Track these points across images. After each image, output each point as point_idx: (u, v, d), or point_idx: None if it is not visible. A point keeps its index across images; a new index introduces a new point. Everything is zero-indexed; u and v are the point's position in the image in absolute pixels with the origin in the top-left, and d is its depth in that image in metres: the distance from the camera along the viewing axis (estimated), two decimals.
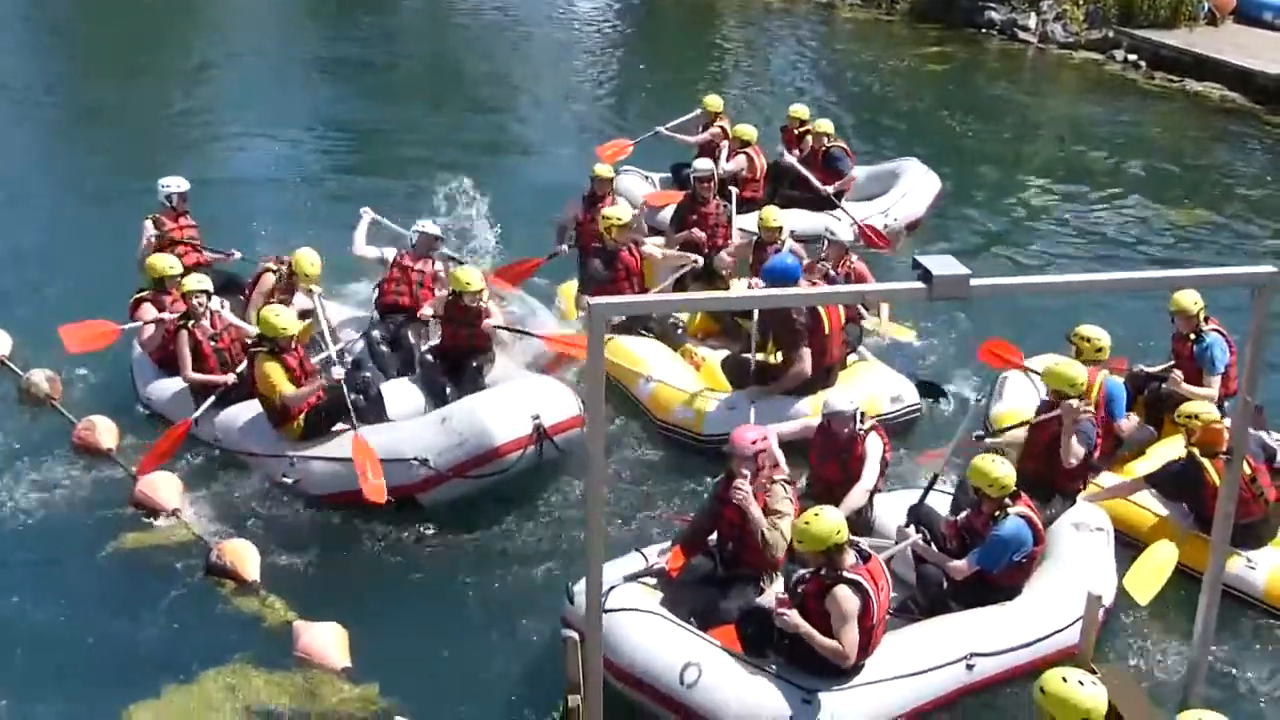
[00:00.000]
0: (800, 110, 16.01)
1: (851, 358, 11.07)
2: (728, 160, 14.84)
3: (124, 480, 10.13)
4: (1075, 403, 9.02)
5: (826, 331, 10.37)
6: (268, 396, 10.05)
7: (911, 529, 8.63)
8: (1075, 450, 9.03)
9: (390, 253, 11.75)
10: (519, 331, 11.27)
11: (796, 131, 15.71)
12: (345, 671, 8.28)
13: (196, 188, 12.53)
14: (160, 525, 9.71)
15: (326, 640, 8.44)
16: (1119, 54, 25.62)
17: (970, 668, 7.95)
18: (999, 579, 8.37)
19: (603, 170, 13.29)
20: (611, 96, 23.55)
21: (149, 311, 11.12)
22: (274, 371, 9.93)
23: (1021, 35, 27.14)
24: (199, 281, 10.74)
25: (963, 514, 8.60)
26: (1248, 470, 8.80)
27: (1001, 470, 8.26)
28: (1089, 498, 9.43)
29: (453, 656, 8.54)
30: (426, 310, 11.18)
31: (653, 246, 12.28)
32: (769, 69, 26.14)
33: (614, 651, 7.65)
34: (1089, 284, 6.44)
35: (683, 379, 10.97)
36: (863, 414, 9.16)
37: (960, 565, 8.34)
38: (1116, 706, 6.67)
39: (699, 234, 12.75)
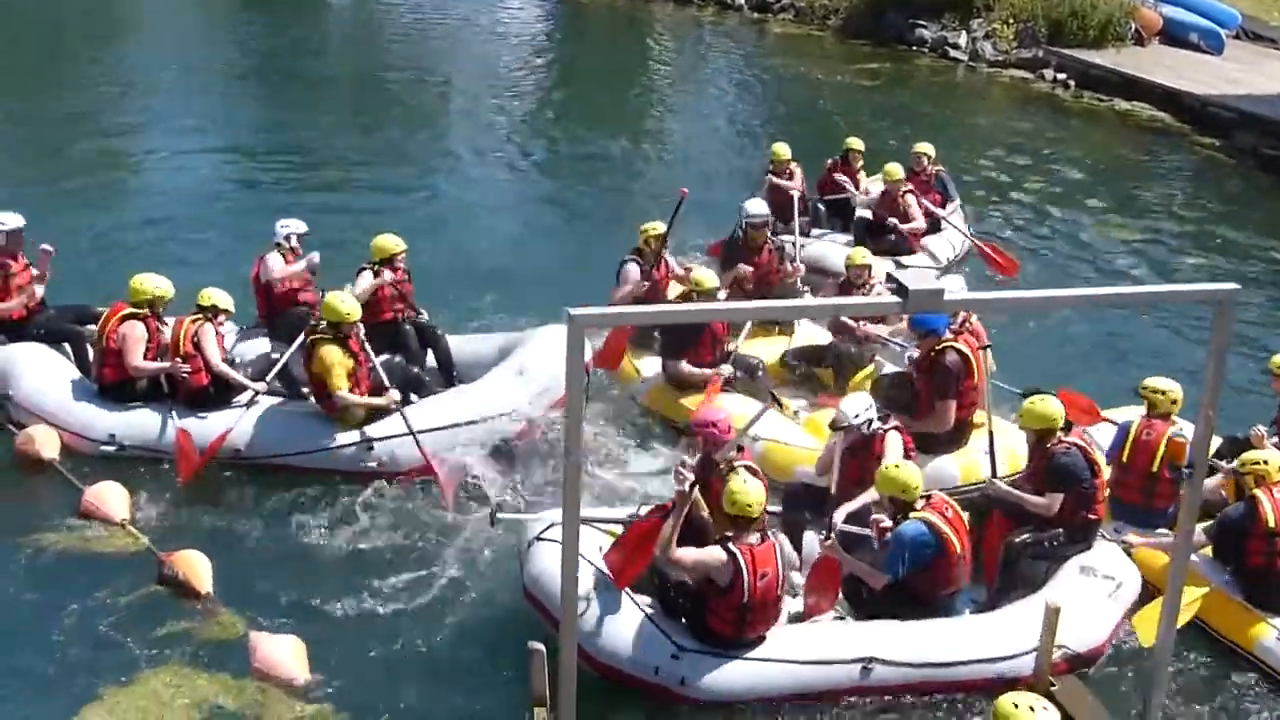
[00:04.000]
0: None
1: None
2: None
3: (70, 490, 9.88)
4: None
5: (975, 382, 10.08)
6: (330, 383, 10.12)
7: (833, 536, 8.55)
8: (1037, 503, 8.83)
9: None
10: None
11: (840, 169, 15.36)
12: (305, 685, 8.13)
13: (103, 211, 11.92)
14: (109, 536, 9.49)
15: (284, 653, 8.27)
16: (1048, 73, 26.11)
17: (867, 670, 8.02)
18: (910, 587, 8.31)
19: (652, 227, 12.12)
20: (544, 112, 23.34)
21: None
22: (341, 359, 10.12)
23: (952, 53, 27.54)
24: None
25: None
26: None
27: (907, 476, 8.32)
28: (1133, 545, 9.20)
29: (415, 667, 8.42)
30: None
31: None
32: (704, 83, 26.31)
33: (530, 574, 8.44)
34: (1063, 300, 6.53)
35: (792, 435, 10.54)
36: (885, 415, 9.21)
37: (874, 575, 8.38)
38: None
39: (745, 268, 12.41)
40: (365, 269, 11.37)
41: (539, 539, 8.55)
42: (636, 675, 7.98)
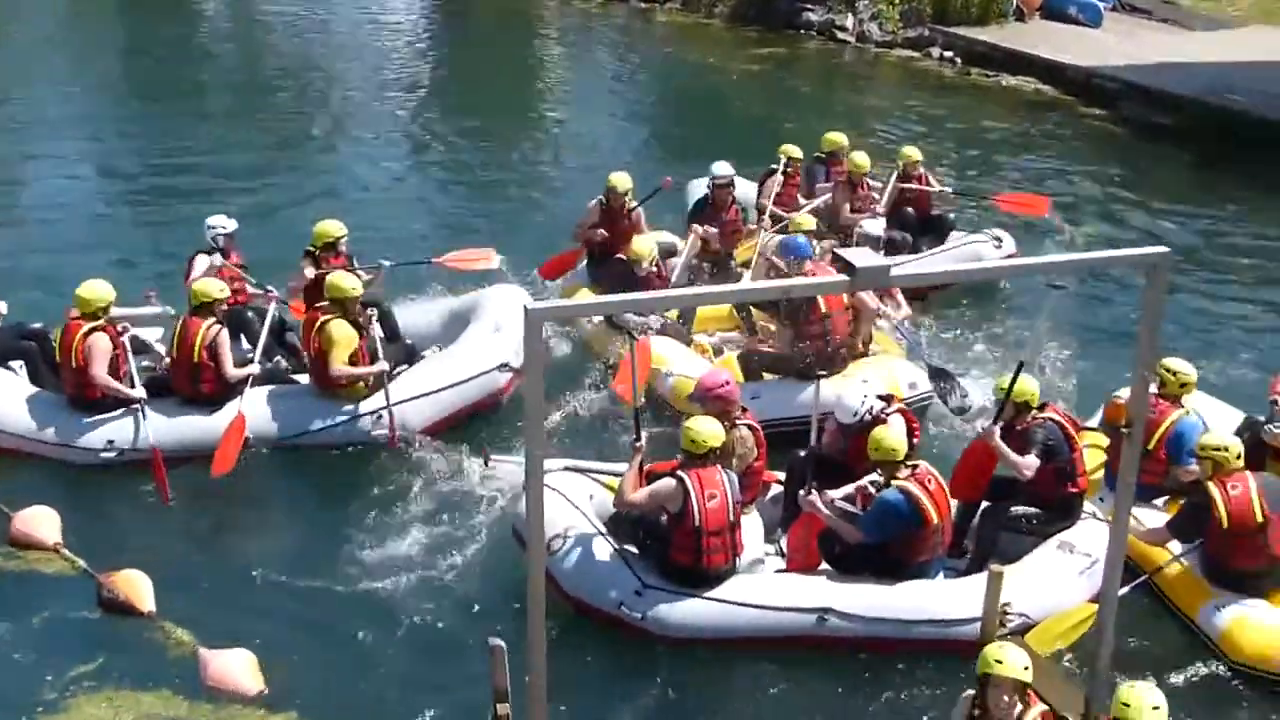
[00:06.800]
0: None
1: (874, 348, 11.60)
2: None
3: None
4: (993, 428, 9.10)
5: (823, 312, 10.81)
6: (340, 361, 10.52)
7: (815, 492, 8.80)
8: (1018, 462, 8.94)
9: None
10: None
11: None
12: (259, 697, 8.04)
13: None
14: (41, 561, 9.25)
15: (236, 667, 8.18)
16: (934, 51, 26.47)
17: (822, 621, 8.38)
18: (884, 551, 8.55)
19: (621, 182, 13.04)
20: (437, 110, 22.97)
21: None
22: (346, 335, 10.53)
23: (839, 35, 27.79)
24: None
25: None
26: (1259, 519, 8.58)
27: (891, 438, 8.54)
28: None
29: (373, 671, 8.37)
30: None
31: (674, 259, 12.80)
32: (595, 74, 26.29)
33: (519, 513, 8.77)
34: (999, 270, 6.67)
35: (700, 371, 11.15)
36: (890, 397, 9.54)
37: (849, 529, 8.63)
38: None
39: (711, 230, 13.21)
40: (307, 255, 11.70)
41: None
42: (601, 608, 8.53)
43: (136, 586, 8.85)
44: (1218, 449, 8.76)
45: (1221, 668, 8.58)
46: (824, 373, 9.96)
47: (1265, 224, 17.68)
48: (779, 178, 14.32)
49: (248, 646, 8.34)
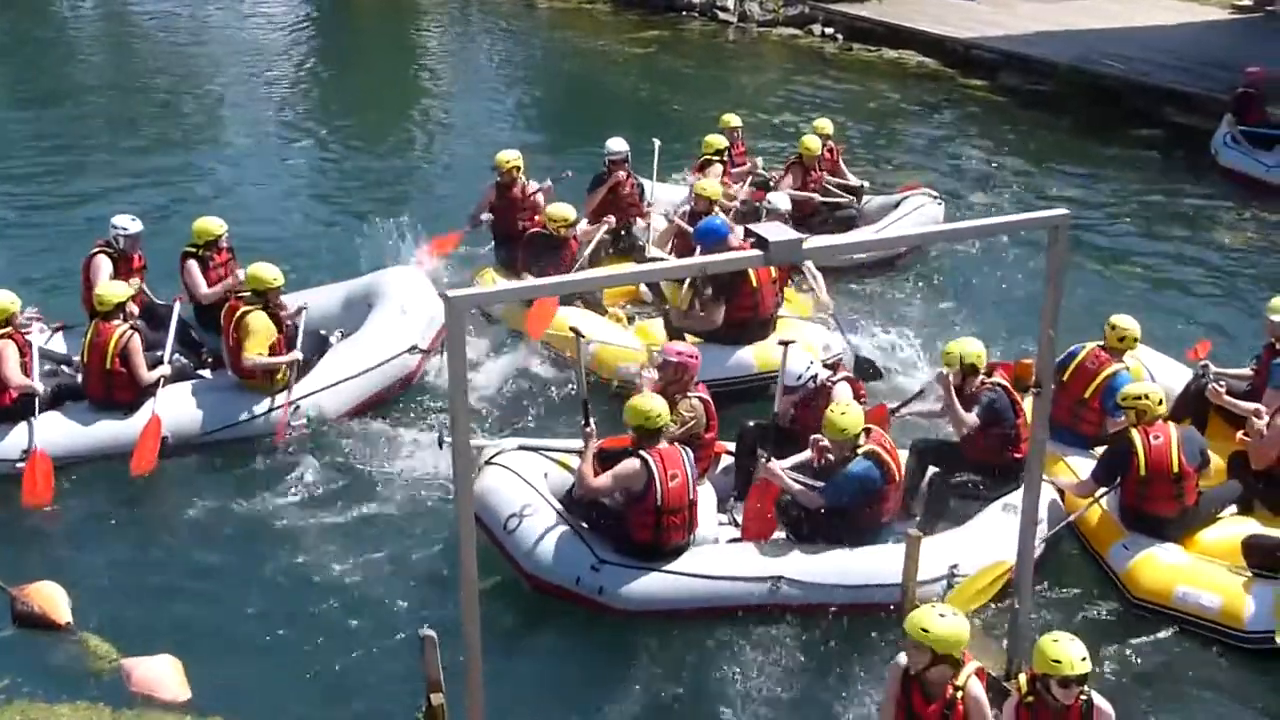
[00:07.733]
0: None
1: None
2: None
3: None
4: (947, 371, 9.33)
5: (754, 285, 11.14)
6: (254, 351, 10.48)
7: (773, 460, 8.91)
8: (963, 417, 9.20)
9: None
10: None
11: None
12: (188, 703, 7.91)
13: None
14: None
15: (161, 673, 8.04)
16: (816, 28, 26.78)
17: (775, 589, 8.55)
18: (855, 518, 8.73)
19: (506, 157, 13.32)
20: (319, 102, 22.81)
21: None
22: (265, 325, 10.51)
23: (721, 16, 28.04)
24: None
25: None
26: (1175, 469, 8.86)
27: (847, 419, 8.64)
28: (1055, 484, 9.40)
29: (306, 667, 8.27)
30: None
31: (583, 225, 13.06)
32: (480, 62, 26.22)
33: (475, 493, 8.42)
34: (907, 239, 6.79)
35: (622, 339, 11.62)
36: (835, 364, 9.72)
37: (811, 495, 8.73)
38: None
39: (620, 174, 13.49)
40: (189, 255, 11.49)
41: (489, 462, 9.30)
42: (559, 584, 8.65)
43: (51, 598, 8.64)
44: (1139, 398, 9.07)
45: (1136, 609, 8.85)
46: (787, 341, 9.98)
47: (1144, 183, 18.23)
48: (717, 167, 14.35)
49: (172, 652, 8.20)
